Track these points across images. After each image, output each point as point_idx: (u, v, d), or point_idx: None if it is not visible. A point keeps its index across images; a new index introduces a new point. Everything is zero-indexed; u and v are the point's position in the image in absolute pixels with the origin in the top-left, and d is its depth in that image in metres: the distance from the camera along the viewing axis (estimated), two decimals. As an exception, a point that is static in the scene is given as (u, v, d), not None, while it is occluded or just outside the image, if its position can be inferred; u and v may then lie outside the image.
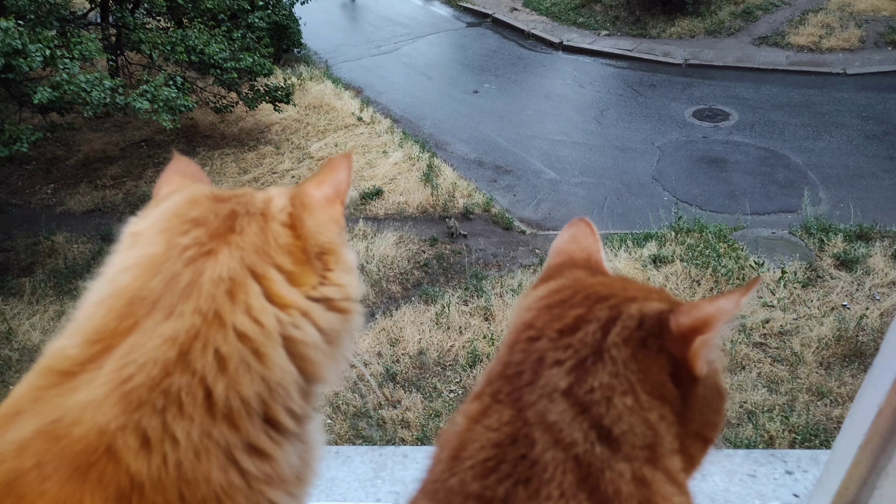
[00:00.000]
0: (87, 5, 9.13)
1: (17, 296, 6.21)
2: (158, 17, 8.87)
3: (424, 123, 9.48)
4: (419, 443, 4.39)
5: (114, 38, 8.81)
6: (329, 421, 4.57)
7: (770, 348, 5.06)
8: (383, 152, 8.51)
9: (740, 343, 5.05)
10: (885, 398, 0.94)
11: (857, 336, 5.00)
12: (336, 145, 8.81)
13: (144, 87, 7.06)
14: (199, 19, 8.33)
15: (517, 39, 12.17)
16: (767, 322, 5.27)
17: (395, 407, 4.75)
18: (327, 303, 0.62)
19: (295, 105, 9.24)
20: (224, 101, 8.77)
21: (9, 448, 0.50)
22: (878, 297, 5.50)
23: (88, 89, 6.39)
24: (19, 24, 6.34)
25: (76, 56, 6.64)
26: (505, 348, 0.57)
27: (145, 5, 8.74)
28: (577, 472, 0.48)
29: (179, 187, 0.67)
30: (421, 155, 8.30)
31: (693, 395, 0.52)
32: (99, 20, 8.85)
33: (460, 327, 5.45)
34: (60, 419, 0.51)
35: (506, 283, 6.00)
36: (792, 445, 4.22)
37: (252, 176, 8.24)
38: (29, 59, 6.14)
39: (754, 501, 1.26)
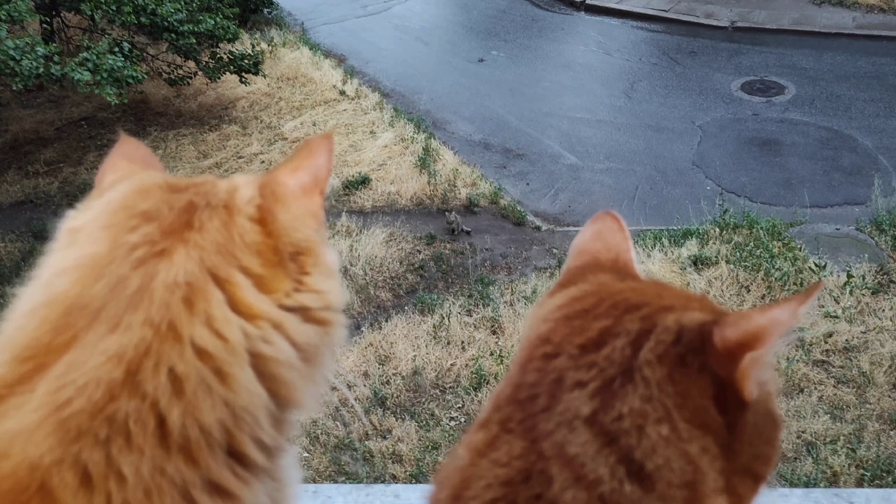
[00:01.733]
0: (17, -43, 9.12)
1: (-67, 304, 6.21)
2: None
3: (420, 98, 9.48)
4: (413, 480, 4.39)
5: (48, -4, 8.82)
6: (306, 454, 4.57)
7: (834, 367, 5.06)
8: (371, 133, 8.51)
9: (798, 361, 5.05)
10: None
11: (937, 352, 5.00)
12: (314, 124, 8.80)
13: (85, 54, 7.06)
14: (151, -27, 8.34)
15: (531, -3, 12.19)
16: (830, 336, 5.27)
17: (384, 437, 4.75)
18: (303, 312, 0.62)
19: (265, 76, 9.25)
20: (180, 72, 8.77)
21: (-77, 487, 0.50)
22: (962, 306, 5.50)
23: (17, 57, 6.40)
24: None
25: (3, 18, 6.64)
26: (516, 367, 0.56)
27: (86, -43, 8.74)
28: (602, 515, 0.48)
29: (127, 175, 0.67)
30: (416, 136, 8.30)
31: (741, 423, 0.52)
32: (30, -26, 8.86)
33: (463, 342, 5.45)
34: (-16, 452, 0.51)
35: (517, 289, 6.00)
36: (860, 483, 4.22)
37: (214, 161, 8.24)
38: (-54, 21, 6.15)
39: (814, 550, 1.26)
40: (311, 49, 10.52)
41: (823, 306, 5.53)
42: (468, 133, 8.73)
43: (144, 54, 8.58)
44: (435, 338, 5.50)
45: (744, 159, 8.00)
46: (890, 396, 4.83)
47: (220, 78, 8.80)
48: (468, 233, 6.90)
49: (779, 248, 6.15)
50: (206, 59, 8.63)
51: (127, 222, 0.60)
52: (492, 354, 5.30)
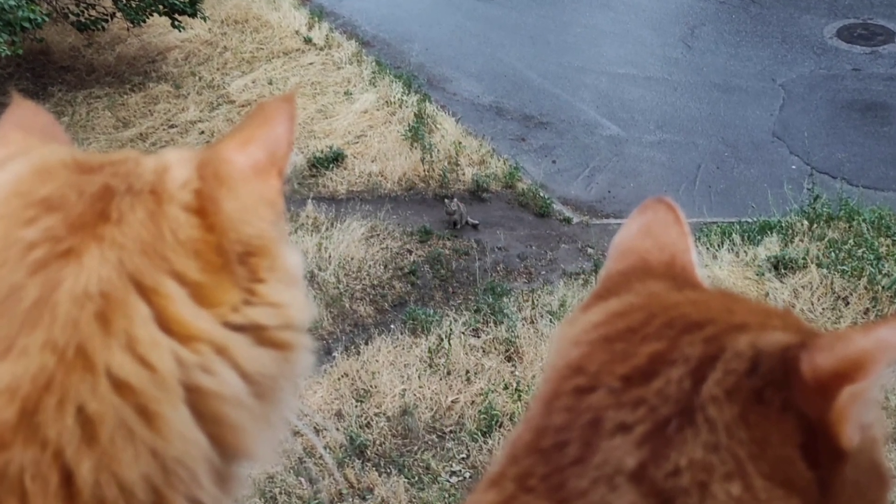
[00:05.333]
0: None
1: None
2: None
3: (411, 48, 9.47)
4: (402, 555, 4.39)
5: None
6: (259, 520, 4.57)
7: (960, 405, 5.07)
8: (346, 94, 8.50)
9: (913, 397, 5.05)
10: None
11: None
12: (270, 83, 8.80)
13: (-34, -11, 7.06)
14: None
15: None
16: (956, 363, 5.28)
17: (363, 498, 4.75)
18: (256, 333, 0.62)
19: (205, 19, 9.23)
20: (92, 13, 8.77)
21: None
22: None
23: None
24: None
25: None
26: (539, 405, 0.57)
27: None
28: None
29: (21, 150, 0.67)
30: (405, 98, 8.30)
31: (837, 479, 0.52)
32: None
33: (468, 372, 5.45)
34: None
35: (540, 301, 6.00)
36: None
37: (137, 131, 8.23)
38: None
39: None
40: (266, -17, 10.53)
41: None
42: (475, 94, 8.73)
43: (45, -10, 8.57)
44: (431, 366, 5.50)
45: (841, 129, 7.99)
46: None
47: (145, 21, 8.79)
48: (475, 226, 6.89)
49: (888, 246, 6.15)
50: (128, -5, 8.64)
51: (22, 213, 0.60)
52: (506, 388, 5.30)
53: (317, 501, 4.71)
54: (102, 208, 0.60)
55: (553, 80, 8.84)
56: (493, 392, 5.27)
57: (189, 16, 8.87)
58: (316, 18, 9.87)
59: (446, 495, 4.73)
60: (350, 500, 4.74)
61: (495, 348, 5.62)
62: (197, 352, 0.59)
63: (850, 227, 6.36)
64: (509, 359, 5.55)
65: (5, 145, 0.69)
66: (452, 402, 5.27)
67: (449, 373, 5.45)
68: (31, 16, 7.31)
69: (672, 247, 0.65)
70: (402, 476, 4.85)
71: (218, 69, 9.14)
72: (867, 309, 5.68)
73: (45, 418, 0.54)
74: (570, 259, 6.62)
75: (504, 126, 8.25)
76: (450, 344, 5.59)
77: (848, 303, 5.75)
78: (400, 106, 8.23)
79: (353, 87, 8.59)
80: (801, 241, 6.29)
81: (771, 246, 6.26)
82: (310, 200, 7.10)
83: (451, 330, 5.72)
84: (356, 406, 5.27)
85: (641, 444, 0.51)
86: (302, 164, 7.49)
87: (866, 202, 6.72)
